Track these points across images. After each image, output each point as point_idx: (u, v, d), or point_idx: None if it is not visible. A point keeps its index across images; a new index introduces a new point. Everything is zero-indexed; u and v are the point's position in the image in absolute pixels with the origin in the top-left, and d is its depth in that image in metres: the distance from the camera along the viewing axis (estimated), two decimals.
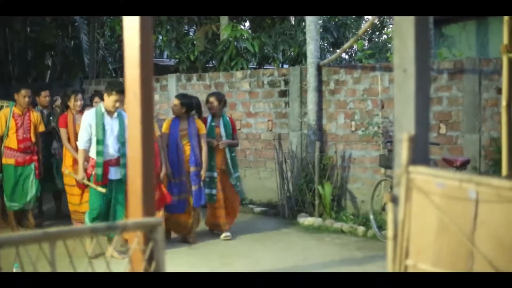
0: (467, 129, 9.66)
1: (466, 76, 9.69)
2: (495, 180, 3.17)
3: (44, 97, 11.29)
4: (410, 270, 3.56)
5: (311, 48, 11.42)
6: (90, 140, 8.30)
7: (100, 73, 18.58)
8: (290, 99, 11.88)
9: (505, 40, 4.52)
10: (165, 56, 20.63)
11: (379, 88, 10.56)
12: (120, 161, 8.28)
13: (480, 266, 3.21)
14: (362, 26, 18.79)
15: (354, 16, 19.01)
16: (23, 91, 10.07)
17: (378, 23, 21.79)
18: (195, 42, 16.76)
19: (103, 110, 8.29)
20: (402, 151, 3.78)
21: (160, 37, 17.62)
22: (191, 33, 19.36)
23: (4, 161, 10.03)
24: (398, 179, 3.78)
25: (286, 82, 11.97)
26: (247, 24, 19.43)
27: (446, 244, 3.41)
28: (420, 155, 3.78)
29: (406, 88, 3.84)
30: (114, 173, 8.30)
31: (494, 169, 9.09)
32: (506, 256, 3.11)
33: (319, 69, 11.37)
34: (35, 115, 10.31)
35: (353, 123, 11.04)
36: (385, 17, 19.81)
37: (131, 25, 4.13)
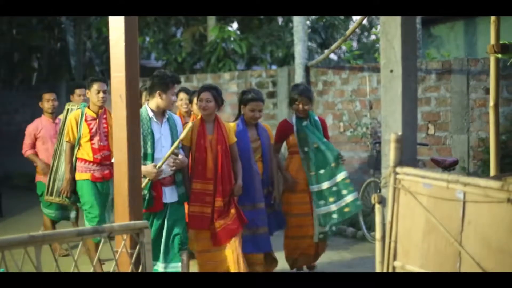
0: (456, 130, 9.68)
1: (454, 77, 9.71)
2: (482, 181, 3.16)
3: (78, 96, 8.87)
4: (398, 271, 3.54)
5: (299, 49, 11.41)
6: None
7: (87, 75, 18.53)
8: (278, 101, 11.86)
9: (492, 40, 4.53)
10: (152, 57, 20.59)
11: (368, 89, 10.56)
12: (175, 178, 6.36)
13: (467, 267, 3.20)
14: (350, 27, 18.83)
15: (342, 17, 19.02)
16: (96, 85, 7.54)
17: (367, 23, 21.80)
18: (182, 43, 16.73)
19: (150, 113, 6.28)
20: (390, 152, 3.76)
21: (147, 39, 17.58)
22: (178, 35, 19.33)
23: (78, 176, 7.54)
24: (385, 180, 3.77)
25: (274, 83, 11.96)
26: (235, 25, 19.42)
27: (434, 244, 3.40)
28: (408, 156, 3.77)
29: (393, 89, 3.83)
30: (169, 195, 6.32)
31: (482, 170, 9.10)
32: (493, 257, 3.10)
33: (307, 70, 11.36)
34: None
35: (341, 124, 11.04)
36: (373, 17, 19.83)
37: (116, 27, 4.11)
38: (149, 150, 6.14)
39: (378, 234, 3.83)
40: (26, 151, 9.01)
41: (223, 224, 6.45)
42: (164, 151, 6.19)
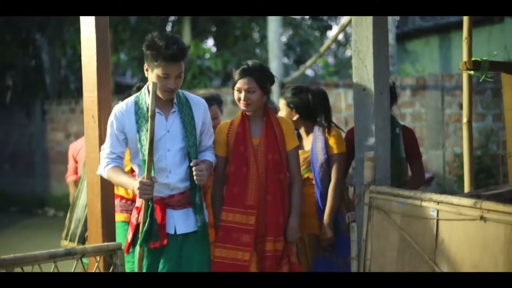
0: (431, 145, 9.71)
1: (429, 92, 9.75)
2: (455, 198, 3.17)
3: None
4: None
5: (274, 66, 11.44)
6: (120, 156, 4.04)
7: (62, 93, 18.43)
8: None
9: (465, 57, 4.56)
10: (128, 75, 20.53)
11: (343, 105, 10.58)
12: (193, 198, 4.00)
13: None
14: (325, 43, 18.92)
15: (317, 33, 19.09)
16: None
17: (343, 39, 21.88)
18: None
19: (147, 100, 4.00)
20: (363, 170, 3.77)
21: (122, 56, 17.52)
22: None
23: None
24: (359, 199, 3.77)
25: None
26: (210, 41, 19.45)
27: (408, 262, 3.40)
28: (381, 174, 3.78)
29: (366, 107, 3.84)
30: (182, 222, 4.00)
31: (458, 185, 9.13)
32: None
33: (282, 86, 11.37)
34: None
35: None
36: (349, 33, 19.92)
37: (88, 46, 4.09)
38: (145, 156, 3.79)
39: (353, 252, 3.82)
40: (68, 176, 7.00)
41: None
42: (169, 157, 3.97)
